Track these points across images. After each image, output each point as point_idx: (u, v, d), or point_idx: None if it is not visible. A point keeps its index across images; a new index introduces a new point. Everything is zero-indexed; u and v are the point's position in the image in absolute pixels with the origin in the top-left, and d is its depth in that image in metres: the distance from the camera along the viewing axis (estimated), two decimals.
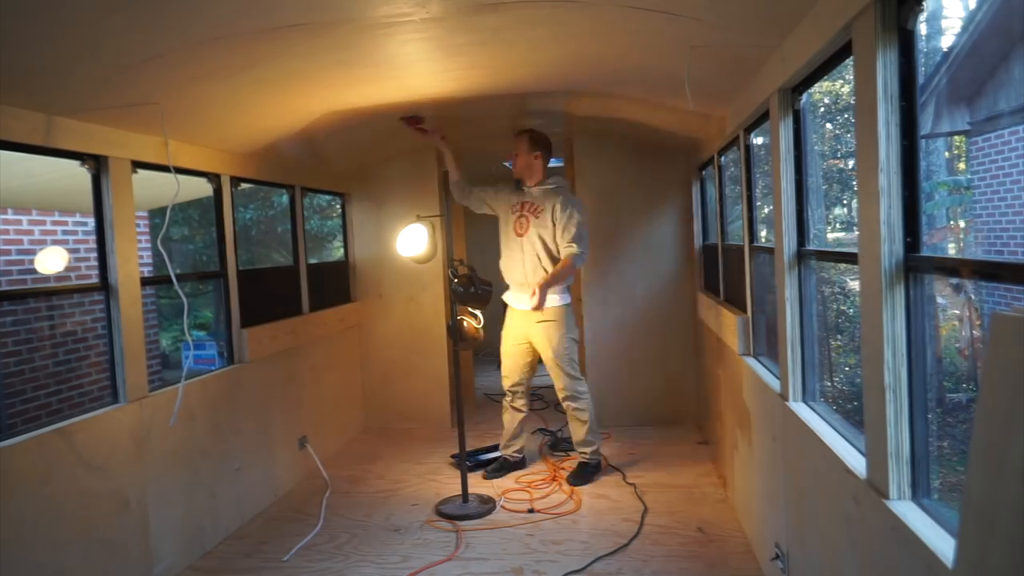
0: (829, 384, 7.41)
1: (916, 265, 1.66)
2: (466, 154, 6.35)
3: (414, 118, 4.13)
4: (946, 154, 10.17)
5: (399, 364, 5.66)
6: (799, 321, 2.64)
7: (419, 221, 4.17)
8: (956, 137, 8.98)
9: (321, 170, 5.11)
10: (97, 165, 2.97)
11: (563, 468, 4.51)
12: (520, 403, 4.39)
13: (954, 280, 7.06)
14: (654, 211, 5.39)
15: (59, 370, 5.87)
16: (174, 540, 3.27)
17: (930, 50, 10.87)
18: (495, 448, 4.72)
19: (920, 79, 3.32)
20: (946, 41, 11.07)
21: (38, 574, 2.51)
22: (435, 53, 2.83)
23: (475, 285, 3.93)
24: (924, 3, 1.58)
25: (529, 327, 4.20)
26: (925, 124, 7.77)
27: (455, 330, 4.07)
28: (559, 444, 4.95)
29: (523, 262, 4.19)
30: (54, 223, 6.03)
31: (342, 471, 4.66)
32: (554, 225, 4.13)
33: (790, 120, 2.59)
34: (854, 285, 7.87)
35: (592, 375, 5.47)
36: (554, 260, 4.12)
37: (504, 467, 4.46)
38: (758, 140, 3.43)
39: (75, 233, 6.23)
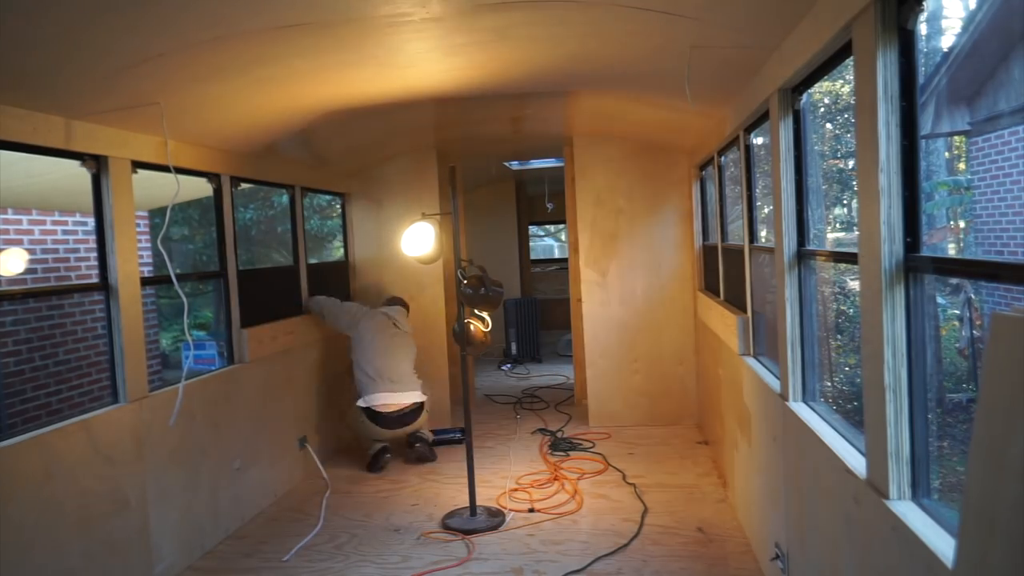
0: (829, 384, 7.40)
1: (916, 265, 1.66)
2: (465, 155, 6.37)
3: None
4: (946, 154, 10.17)
5: None
6: (799, 321, 2.64)
7: (425, 220, 4.10)
8: (956, 137, 8.97)
9: (321, 170, 5.11)
10: (97, 165, 2.97)
11: (563, 468, 4.52)
12: None
13: (954, 280, 7.06)
14: (654, 211, 5.39)
15: (59, 370, 5.87)
16: (174, 540, 3.27)
17: (930, 50, 10.87)
18: (460, 431, 5.02)
19: (920, 79, 3.32)
20: (946, 41, 11.07)
21: (38, 574, 2.50)
22: (435, 53, 2.83)
23: (485, 287, 3.85)
24: (924, 3, 1.58)
25: None
26: (925, 124, 7.77)
27: (462, 334, 3.97)
28: (559, 444, 4.96)
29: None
30: (54, 223, 6.03)
31: (342, 471, 4.67)
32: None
33: (790, 120, 2.59)
34: (854, 285, 7.87)
35: (592, 375, 5.48)
36: None
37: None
38: (758, 140, 3.43)
39: (75, 233, 6.23)
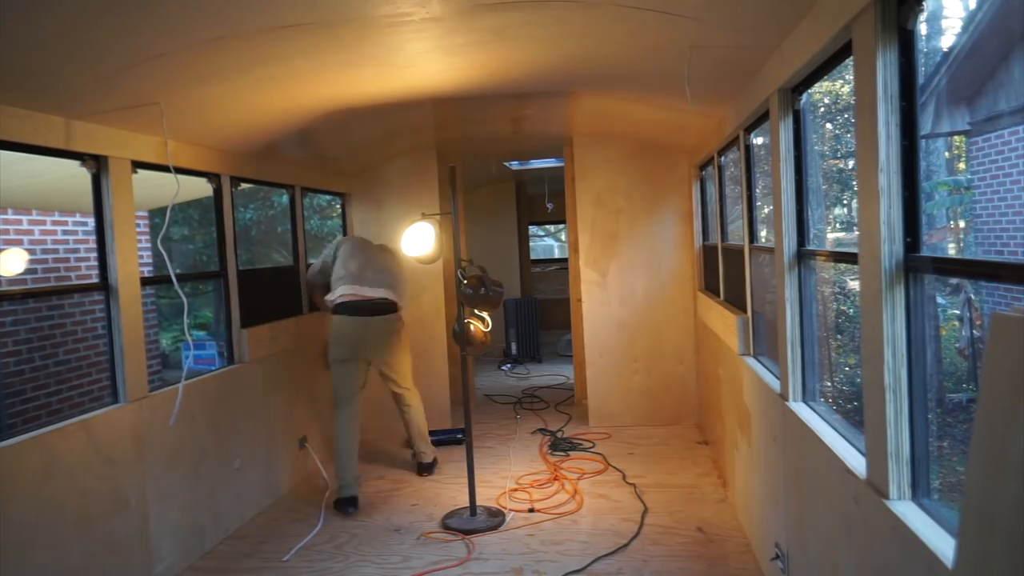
0: (829, 384, 7.40)
1: (916, 265, 1.66)
2: (466, 155, 6.37)
3: None
4: (946, 154, 10.17)
5: None
6: (799, 321, 2.64)
7: (425, 219, 4.09)
8: (956, 137, 8.97)
9: (321, 170, 5.11)
10: (97, 165, 2.97)
11: (563, 468, 4.51)
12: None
13: (954, 280, 7.06)
14: (654, 211, 5.39)
15: (59, 370, 5.87)
16: (174, 540, 3.27)
17: (930, 50, 10.86)
18: (460, 431, 4.86)
19: (920, 79, 3.32)
20: (946, 41, 11.07)
21: (38, 573, 2.50)
22: (435, 53, 2.83)
23: (485, 286, 3.85)
24: (924, 3, 1.58)
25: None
26: (925, 124, 7.77)
27: (462, 335, 3.96)
28: (559, 444, 4.96)
29: None
30: (54, 223, 6.03)
31: None
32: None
33: (790, 120, 2.59)
34: (854, 285, 7.87)
35: (592, 375, 5.48)
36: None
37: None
38: (758, 140, 3.43)
39: (75, 233, 6.23)
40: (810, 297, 2.66)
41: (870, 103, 1.69)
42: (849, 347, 8.14)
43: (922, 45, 10.88)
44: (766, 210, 3.47)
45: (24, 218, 5.78)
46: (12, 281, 5.37)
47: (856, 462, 1.93)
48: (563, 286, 9.38)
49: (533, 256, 11.50)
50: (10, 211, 5.65)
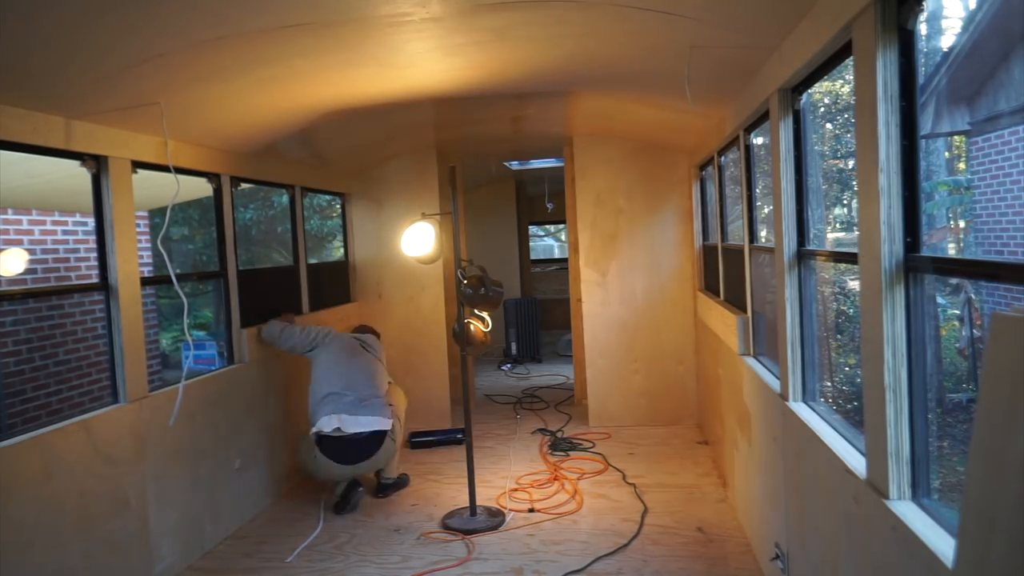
0: (829, 384, 7.41)
1: (916, 265, 1.66)
2: (466, 155, 6.37)
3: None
4: (946, 154, 10.17)
5: (399, 364, 5.66)
6: (799, 321, 2.64)
7: (425, 220, 4.09)
8: (956, 137, 8.97)
9: (321, 170, 5.11)
10: (97, 165, 2.97)
11: (563, 468, 4.51)
12: None
13: (954, 280, 7.06)
14: (654, 211, 5.39)
15: (59, 370, 5.87)
16: (174, 540, 3.27)
17: (930, 50, 10.86)
18: (460, 431, 4.84)
19: (920, 79, 3.32)
20: (946, 41, 11.07)
21: (38, 573, 2.50)
22: (435, 53, 2.83)
23: (485, 287, 3.85)
24: (924, 3, 1.58)
25: None
26: (925, 124, 7.77)
27: (462, 335, 3.96)
28: (559, 444, 4.96)
29: None
30: (54, 223, 6.03)
31: None
32: None
33: (790, 120, 2.59)
34: (854, 285, 7.87)
35: (592, 375, 5.48)
36: None
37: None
38: (758, 140, 3.43)
39: (75, 233, 6.23)
40: (810, 297, 2.66)
41: (870, 103, 1.69)
42: (849, 347, 8.14)
43: (922, 45, 10.88)
44: (766, 210, 3.47)
45: (24, 218, 5.78)
46: (12, 281, 5.37)
47: (856, 462, 1.93)
48: (563, 286, 9.38)
49: (533, 256, 11.51)
50: (10, 211, 5.65)
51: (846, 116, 10.75)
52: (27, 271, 5.57)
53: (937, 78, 7.65)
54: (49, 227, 6.00)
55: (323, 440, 3.82)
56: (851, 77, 2.28)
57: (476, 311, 4.04)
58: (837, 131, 11.08)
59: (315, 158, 4.85)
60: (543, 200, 9.44)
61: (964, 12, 11.90)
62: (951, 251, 9.17)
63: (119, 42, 2.22)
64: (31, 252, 5.70)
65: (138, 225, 5.52)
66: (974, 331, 6.86)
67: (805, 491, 2.39)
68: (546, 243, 15.45)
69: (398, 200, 5.57)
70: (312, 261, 5.10)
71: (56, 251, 6.04)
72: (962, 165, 9.66)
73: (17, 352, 5.52)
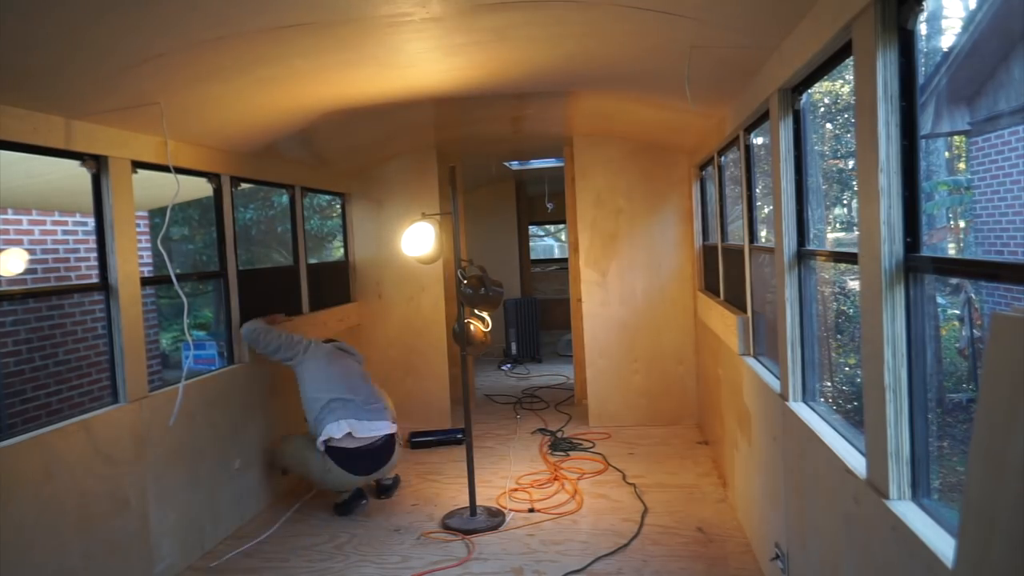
0: (829, 384, 7.41)
1: (916, 265, 1.66)
2: (466, 155, 6.37)
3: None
4: (946, 154, 10.17)
5: (399, 364, 5.67)
6: (799, 321, 2.64)
7: (425, 219, 4.08)
8: (956, 137, 8.97)
9: (321, 170, 5.11)
10: (97, 165, 2.97)
11: (563, 468, 4.51)
12: None
13: (954, 280, 7.06)
14: (654, 211, 5.39)
15: (59, 370, 5.87)
16: (174, 540, 3.27)
17: (930, 50, 10.86)
18: (460, 431, 4.83)
19: (920, 79, 3.32)
20: (946, 41, 11.07)
21: (38, 573, 2.51)
22: (435, 53, 2.83)
23: (486, 287, 3.85)
24: (924, 3, 1.58)
25: None
26: (925, 124, 7.77)
27: (462, 335, 3.96)
28: (559, 444, 4.96)
29: None
30: (54, 223, 6.03)
31: None
32: None
33: (790, 120, 2.59)
34: (854, 285, 7.87)
35: (592, 375, 5.48)
36: None
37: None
38: (758, 140, 3.43)
39: (75, 233, 6.23)
40: (810, 297, 2.66)
41: (870, 103, 1.69)
42: (849, 347, 8.14)
43: (922, 45, 10.88)
44: (766, 210, 3.47)
45: (24, 218, 5.78)
46: (12, 281, 5.37)
47: (856, 462, 1.93)
48: (563, 286, 9.38)
49: (533, 256, 11.51)
50: (10, 211, 5.65)
51: (846, 116, 10.75)
52: (27, 271, 5.57)
53: (937, 78, 7.65)
54: (49, 227, 6.00)
55: (334, 451, 3.76)
56: (851, 77, 2.28)
57: (476, 311, 4.04)
58: (837, 131, 11.08)
59: (315, 158, 4.85)
60: (543, 200, 9.44)
61: (964, 12, 11.90)
62: (951, 251, 9.17)
63: (119, 42, 2.22)
64: (31, 252, 5.70)
65: (138, 225, 5.53)
66: (974, 331, 6.86)
67: (805, 491, 2.39)
68: (546, 243, 15.46)
69: (398, 200, 5.57)
70: (312, 261, 5.10)
71: (56, 251, 6.04)
72: (962, 165, 9.66)
73: (17, 352, 5.52)
